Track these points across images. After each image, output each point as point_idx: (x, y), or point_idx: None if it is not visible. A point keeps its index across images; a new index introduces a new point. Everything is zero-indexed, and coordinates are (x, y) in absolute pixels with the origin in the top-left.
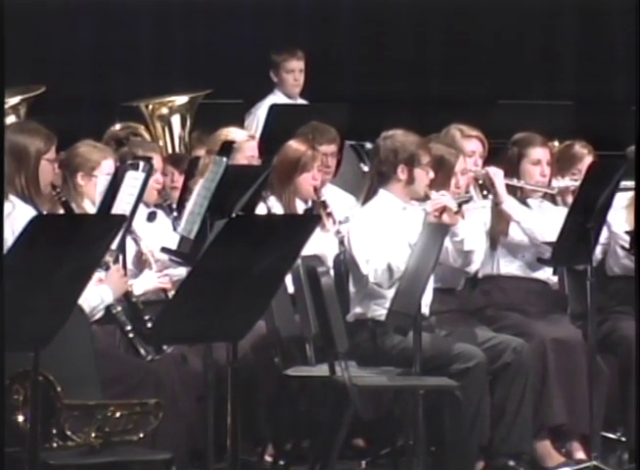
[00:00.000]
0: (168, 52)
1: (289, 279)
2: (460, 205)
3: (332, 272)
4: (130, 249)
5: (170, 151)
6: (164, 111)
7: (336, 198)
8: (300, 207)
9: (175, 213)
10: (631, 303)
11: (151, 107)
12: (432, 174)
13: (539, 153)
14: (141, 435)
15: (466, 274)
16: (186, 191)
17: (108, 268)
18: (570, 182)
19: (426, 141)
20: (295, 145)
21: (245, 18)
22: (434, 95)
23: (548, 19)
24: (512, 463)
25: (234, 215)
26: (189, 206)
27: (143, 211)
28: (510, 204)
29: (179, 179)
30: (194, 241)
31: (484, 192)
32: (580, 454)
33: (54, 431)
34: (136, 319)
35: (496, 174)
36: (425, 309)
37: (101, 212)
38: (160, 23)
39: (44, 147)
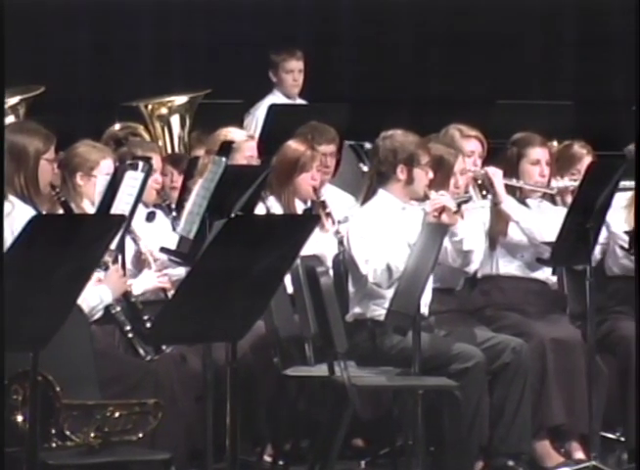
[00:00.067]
0: (168, 52)
1: (288, 279)
2: (459, 205)
3: (331, 272)
4: (129, 249)
5: (170, 151)
6: (164, 111)
7: (335, 198)
8: (300, 207)
9: (174, 213)
10: (630, 303)
11: (150, 107)
12: (431, 174)
13: (538, 153)
14: (140, 435)
15: (465, 274)
16: (185, 191)
17: (107, 268)
18: (569, 182)
19: (425, 141)
20: (294, 145)
21: (244, 18)
22: (434, 95)
23: (547, 19)
24: (511, 463)
25: (233, 215)
26: (188, 206)
27: (142, 211)
28: (509, 204)
29: (178, 179)
30: (193, 241)
31: (484, 192)
32: (579, 454)
33: (53, 431)
34: (135, 319)
35: (495, 174)
36: (424, 309)
37: (100, 212)
38: (159, 24)
39: (43, 147)
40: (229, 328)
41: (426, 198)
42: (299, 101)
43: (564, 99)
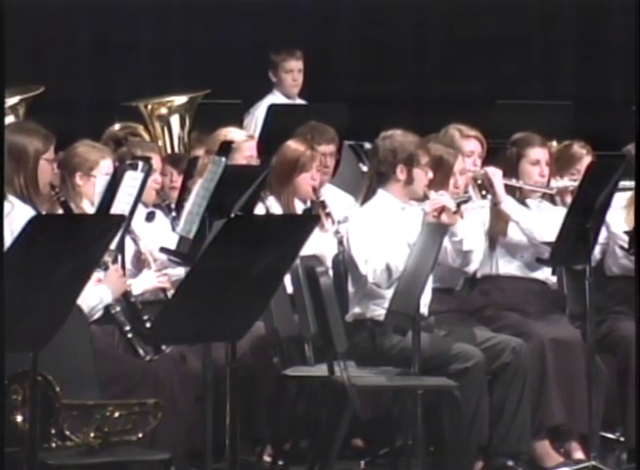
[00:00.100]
0: (167, 52)
1: (287, 279)
2: (459, 205)
3: (331, 272)
4: (129, 249)
5: (169, 151)
6: (164, 111)
7: (334, 198)
8: (299, 207)
9: (174, 213)
10: (630, 302)
11: (150, 107)
12: (430, 174)
13: (538, 153)
14: (140, 435)
15: (465, 274)
16: (185, 191)
17: (106, 268)
18: (568, 182)
19: (425, 141)
20: (293, 145)
21: (244, 18)
22: (433, 95)
23: (547, 19)
24: (510, 463)
25: (233, 215)
26: (188, 206)
27: (142, 212)
28: (509, 204)
29: (178, 179)
30: (193, 241)
31: (483, 192)
32: (579, 454)
33: (53, 431)
34: (135, 319)
35: (495, 174)
36: (424, 309)
37: (100, 213)
38: (159, 23)
39: (43, 147)
40: (229, 328)
41: (425, 198)
42: (299, 101)
43: (563, 99)
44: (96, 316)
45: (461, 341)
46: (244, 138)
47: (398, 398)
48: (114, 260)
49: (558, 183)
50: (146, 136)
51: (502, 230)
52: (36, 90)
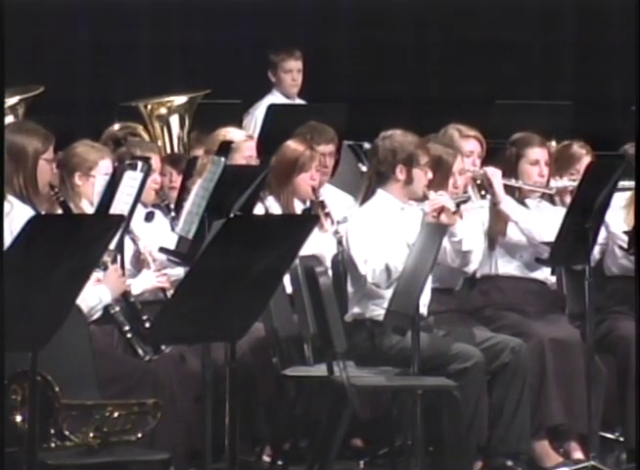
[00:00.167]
0: (167, 52)
1: (287, 279)
2: (458, 205)
3: (330, 272)
4: (128, 249)
5: (169, 151)
6: (163, 111)
7: (334, 198)
8: (299, 207)
9: (173, 213)
10: (629, 302)
11: (149, 107)
12: (430, 175)
13: (537, 153)
14: (139, 435)
15: (464, 274)
16: (184, 191)
17: (106, 268)
18: (568, 182)
19: (424, 141)
20: (293, 145)
21: (243, 18)
22: (433, 95)
23: (546, 19)
24: (510, 463)
25: (232, 215)
26: (187, 206)
27: (141, 212)
28: (508, 204)
29: (177, 179)
30: (192, 241)
31: (482, 192)
32: (578, 454)
33: (52, 431)
34: (134, 319)
35: (494, 174)
36: (423, 309)
37: (99, 213)
38: (158, 24)
39: (42, 147)
40: (228, 328)
41: (425, 198)
42: (298, 101)
43: (563, 99)
44: (95, 316)
45: (460, 341)
46: (243, 138)
47: (398, 398)
48: (114, 260)
49: (557, 183)
50: (145, 136)
51: (501, 230)
52: (36, 90)
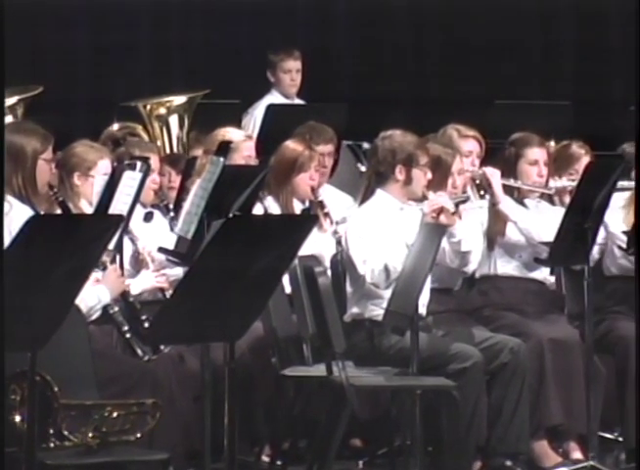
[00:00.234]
0: (166, 52)
1: (286, 279)
2: (457, 205)
3: (329, 272)
4: (127, 249)
5: (168, 151)
6: (162, 111)
7: (333, 198)
8: (298, 207)
9: (172, 214)
10: (628, 302)
11: (149, 107)
12: (429, 175)
13: (536, 153)
14: (138, 435)
15: (463, 274)
16: (183, 191)
17: (105, 268)
18: (567, 182)
19: (423, 141)
20: (292, 145)
21: (242, 18)
22: (432, 95)
23: (545, 19)
24: (509, 463)
25: (231, 215)
26: (186, 206)
27: (140, 212)
28: (507, 204)
29: (176, 179)
30: (191, 241)
31: (481, 192)
32: (577, 454)
33: (51, 431)
34: (133, 319)
35: (493, 175)
36: (422, 309)
37: (98, 213)
38: (158, 24)
39: (41, 147)
40: (227, 328)
41: (424, 198)
42: (297, 101)
43: (562, 99)
44: (94, 316)
45: (459, 341)
46: (242, 138)
47: (397, 398)
48: (113, 261)
49: (556, 183)
50: (144, 136)
51: (500, 230)
52: (35, 90)
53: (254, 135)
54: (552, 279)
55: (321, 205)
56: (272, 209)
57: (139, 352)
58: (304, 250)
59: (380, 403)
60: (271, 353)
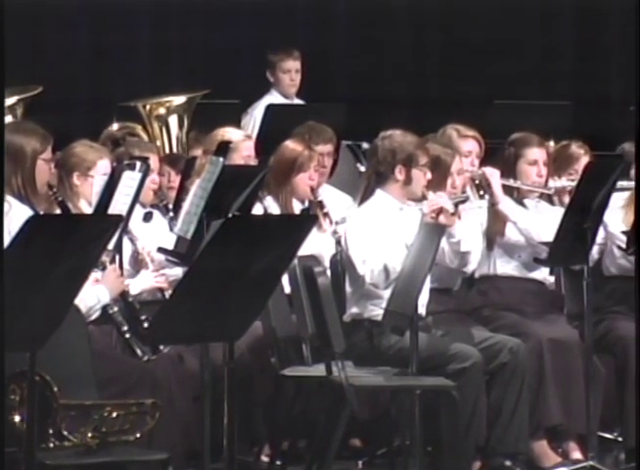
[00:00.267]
0: (166, 52)
1: (285, 279)
2: (456, 205)
3: (328, 272)
4: (127, 249)
5: (168, 151)
6: (162, 111)
7: (332, 198)
8: (297, 207)
9: (172, 214)
10: (628, 302)
11: (148, 107)
12: (429, 175)
13: (536, 153)
14: (137, 435)
15: (463, 274)
16: (182, 191)
17: (104, 268)
18: (566, 182)
19: (423, 141)
20: (291, 145)
21: (242, 18)
22: (431, 95)
23: (545, 19)
24: (508, 463)
25: (230, 215)
26: (185, 206)
27: (139, 212)
28: (506, 204)
29: (176, 179)
30: (190, 241)
31: (481, 192)
32: (577, 454)
33: (50, 431)
34: (133, 319)
35: (493, 175)
36: (421, 309)
37: (97, 213)
38: (157, 24)
39: (40, 147)
40: (226, 328)
41: (423, 198)
42: (297, 101)
43: (561, 99)
44: (94, 316)
45: (459, 341)
46: (241, 138)
47: (396, 398)
48: (112, 261)
49: (556, 183)
50: (144, 136)
51: (500, 230)
52: (34, 90)
53: (254, 135)
54: (551, 279)
55: (320, 205)
56: (271, 209)
57: (138, 352)
58: (304, 250)
59: (379, 403)
60: (270, 353)
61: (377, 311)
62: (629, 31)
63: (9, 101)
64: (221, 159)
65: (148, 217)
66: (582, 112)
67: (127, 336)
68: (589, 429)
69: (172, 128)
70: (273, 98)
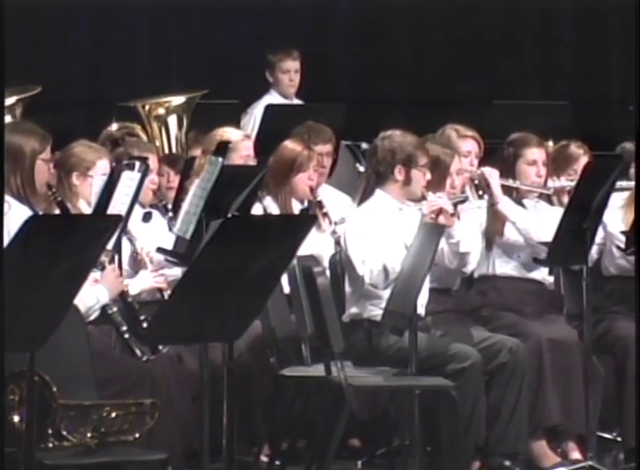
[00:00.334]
0: (165, 52)
1: (285, 279)
2: (455, 205)
3: (328, 273)
4: (126, 249)
5: (167, 151)
6: (161, 111)
7: (331, 198)
8: (296, 207)
9: (171, 214)
10: (627, 302)
11: (147, 107)
12: (429, 176)
13: (535, 153)
14: (137, 435)
15: (462, 274)
16: (182, 191)
17: (103, 268)
18: (565, 182)
19: (422, 142)
20: (290, 145)
21: (241, 18)
22: (430, 95)
23: (544, 19)
24: (508, 463)
25: (230, 215)
26: (185, 206)
27: (138, 212)
28: (505, 204)
29: (175, 179)
30: (190, 241)
31: (480, 192)
32: (576, 454)
33: (49, 431)
34: (132, 319)
35: (492, 175)
36: (421, 310)
37: (97, 213)
38: (156, 24)
39: (39, 147)
40: (226, 328)
41: (423, 199)
42: (296, 101)
43: (560, 99)
44: (93, 317)
45: (458, 341)
46: (240, 138)
47: (395, 398)
48: (111, 261)
49: (555, 183)
50: (143, 136)
51: (499, 230)
52: (33, 90)
53: (253, 135)
54: (551, 279)
55: (320, 205)
56: (271, 209)
57: (137, 352)
58: (303, 250)
59: (378, 403)
60: (270, 354)
61: (376, 311)
62: (629, 31)
63: (8, 101)
64: (220, 159)
65: (147, 217)
66: (581, 112)
67: (126, 336)
68: (588, 429)
69: (171, 128)
70: (272, 98)
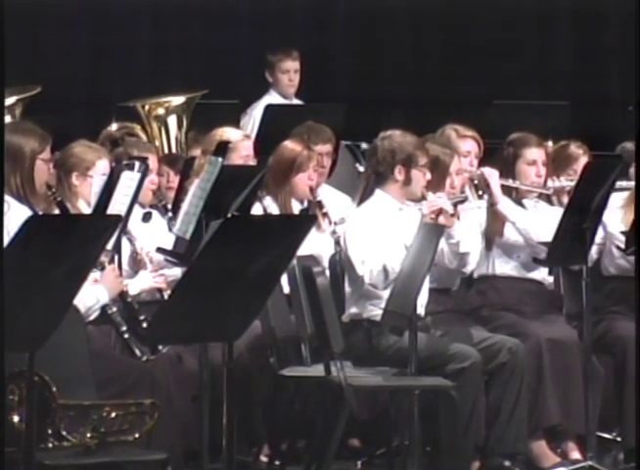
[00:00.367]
0: (165, 52)
1: (284, 279)
2: (455, 205)
3: (327, 273)
4: (126, 249)
5: (167, 151)
6: (161, 111)
7: (331, 198)
8: (296, 207)
9: (170, 214)
10: (627, 303)
11: (147, 107)
12: (429, 176)
13: (535, 153)
14: (136, 435)
15: (461, 274)
16: (181, 191)
17: (103, 268)
18: (565, 182)
19: (422, 142)
20: (290, 145)
21: (241, 18)
22: (430, 95)
23: (543, 19)
24: (507, 463)
25: (229, 216)
26: (184, 206)
27: (138, 212)
28: (505, 204)
29: (175, 180)
30: (189, 241)
31: (480, 192)
32: (576, 454)
33: (49, 431)
34: (131, 319)
35: (491, 175)
36: (420, 310)
37: (96, 213)
38: (156, 24)
39: (39, 147)
40: (225, 328)
41: (423, 199)
42: (296, 101)
43: (560, 99)
44: (93, 317)
45: (458, 341)
46: (240, 138)
47: (395, 398)
48: (111, 261)
49: (554, 183)
50: (143, 136)
51: (498, 230)
52: (33, 90)
53: (253, 135)
54: (550, 279)
55: (319, 205)
56: (271, 209)
57: (137, 352)
58: (303, 250)
59: (378, 404)
60: (269, 354)
61: (376, 312)
62: (629, 32)
63: (8, 101)
64: (220, 159)
65: (147, 218)
66: (581, 112)
67: (126, 336)
68: (588, 429)
69: (171, 128)
70: (272, 98)
